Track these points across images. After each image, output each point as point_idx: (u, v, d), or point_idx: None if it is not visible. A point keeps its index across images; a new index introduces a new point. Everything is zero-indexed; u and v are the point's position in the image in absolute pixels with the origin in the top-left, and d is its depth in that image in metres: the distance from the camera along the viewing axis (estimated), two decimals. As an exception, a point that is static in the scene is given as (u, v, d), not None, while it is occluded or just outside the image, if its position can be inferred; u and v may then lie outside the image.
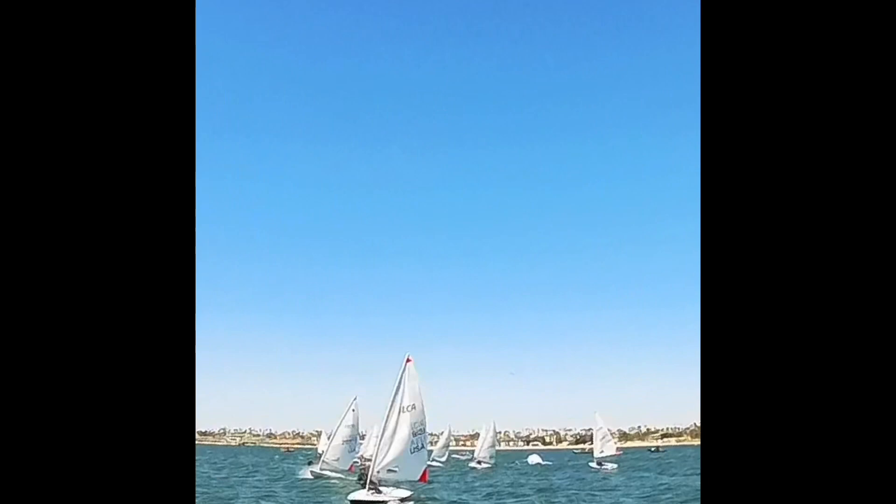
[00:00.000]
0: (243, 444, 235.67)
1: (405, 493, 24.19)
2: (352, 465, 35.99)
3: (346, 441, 38.33)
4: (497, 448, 69.78)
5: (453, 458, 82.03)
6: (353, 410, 38.66)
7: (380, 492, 23.88)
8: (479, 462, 63.93)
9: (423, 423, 24.80)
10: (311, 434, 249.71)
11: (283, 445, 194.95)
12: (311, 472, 40.47)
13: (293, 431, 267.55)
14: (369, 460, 32.80)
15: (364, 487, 24.17)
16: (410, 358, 25.03)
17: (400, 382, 24.70)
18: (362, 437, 53.85)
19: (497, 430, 69.64)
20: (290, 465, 50.73)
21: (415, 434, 24.46)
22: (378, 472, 24.07)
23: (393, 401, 24.54)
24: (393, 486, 24.53)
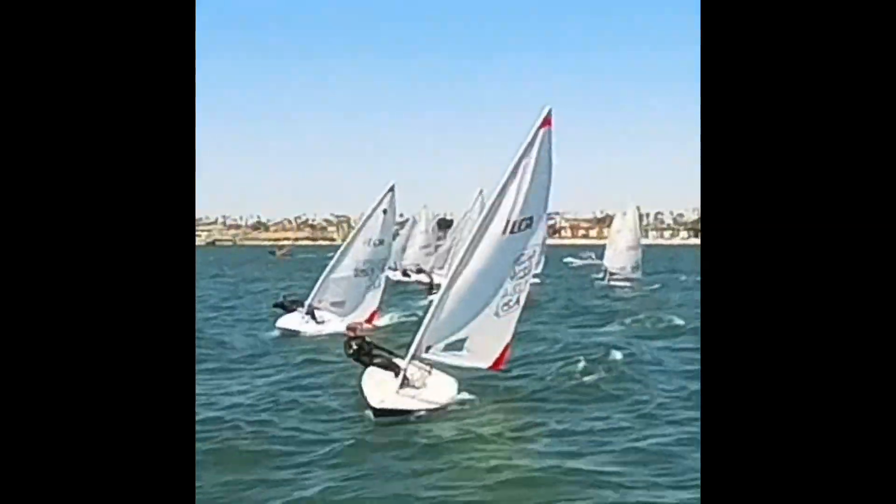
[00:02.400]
0: (213, 242, 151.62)
1: (450, 390, 11.03)
2: (374, 315, 18.60)
3: (362, 270, 18.13)
4: (643, 241, 37.95)
5: (569, 264, 53.50)
6: (385, 212, 18.11)
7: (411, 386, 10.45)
8: (611, 274, 35.18)
9: (533, 256, 11.01)
10: (327, 221, 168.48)
11: (279, 241, 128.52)
12: (281, 328, 18.46)
13: (297, 219, 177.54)
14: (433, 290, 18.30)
15: (393, 375, 10.78)
16: (550, 118, 10.63)
17: (520, 170, 10.43)
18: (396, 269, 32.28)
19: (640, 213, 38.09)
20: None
21: (515, 276, 10.75)
22: (430, 347, 10.66)
23: (493, 208, 10.52)
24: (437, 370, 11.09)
